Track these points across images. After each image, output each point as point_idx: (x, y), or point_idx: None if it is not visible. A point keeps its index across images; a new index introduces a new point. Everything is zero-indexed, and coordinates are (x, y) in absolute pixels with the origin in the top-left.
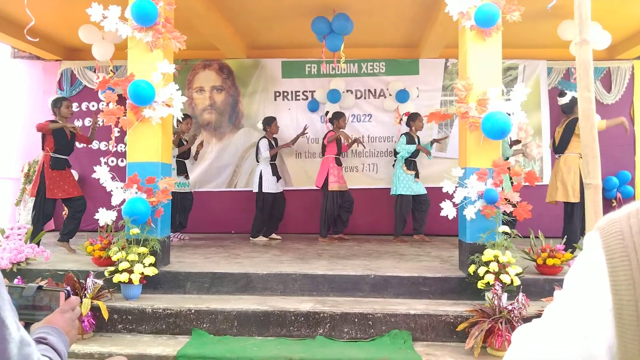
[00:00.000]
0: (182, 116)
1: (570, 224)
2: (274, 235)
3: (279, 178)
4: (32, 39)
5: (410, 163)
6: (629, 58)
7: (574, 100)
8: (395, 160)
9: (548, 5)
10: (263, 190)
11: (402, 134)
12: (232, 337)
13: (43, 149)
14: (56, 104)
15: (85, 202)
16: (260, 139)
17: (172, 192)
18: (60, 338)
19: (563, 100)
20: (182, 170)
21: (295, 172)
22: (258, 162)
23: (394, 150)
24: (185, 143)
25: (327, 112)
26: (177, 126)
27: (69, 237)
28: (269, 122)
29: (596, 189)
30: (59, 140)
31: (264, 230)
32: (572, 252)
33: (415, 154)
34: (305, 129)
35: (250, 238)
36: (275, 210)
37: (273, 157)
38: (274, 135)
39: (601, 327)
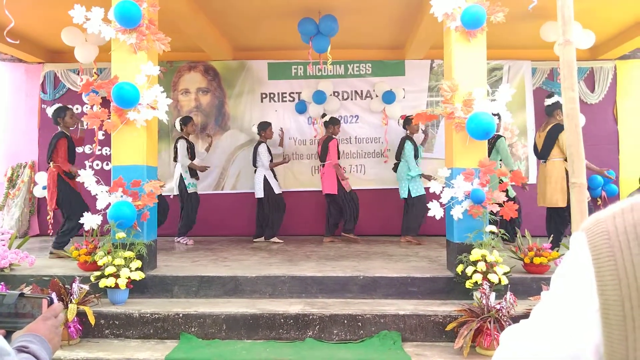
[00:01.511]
0: (181, 120)
1: (558, 225)
2: (260, 240)
3: (276, 179)
4: (12, 40)
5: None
6: (611, 58)
7: (555, 105)
8: (396, 164)
9: (529, 6)
10: (276, 192)
11: (405, 140)
12: (221, 340)
13: (52, 160)
14: (59, 113)
15: None
16: (259, 144)
17: (190, 193)
18: (43, 346)
19: (547, 102)
20: (194, 173)
21: (283, 175)
22: (256, 167)
23: (397, 155)
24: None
25: (323, 115)
26: (182, 130)
27: (65, 244)
28: (264, 127)
29: (581, 188)
30: (72, 151)
31: (262, 233)
32: (557, 251)
33: (416, 154)
34: (281, 133)
35: (259, 239)
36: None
37: (271, 161)
38: (268, 140)
39: (588, 327)
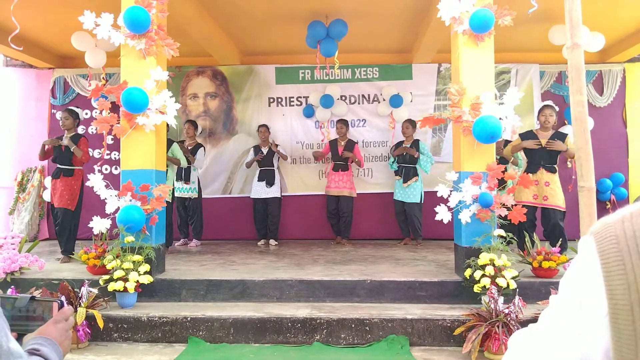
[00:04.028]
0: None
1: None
2: (271, 242)
3: (270, 184)
4: (16, 47)
5: (399, 168)
6: (620, 61)
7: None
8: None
9: (529, 10)
10: (250, 196)
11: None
12: (229, 344)
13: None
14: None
15: (67, 217)
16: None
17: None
18: (54, 349)
19: None
20: (179, 176)
21: (291, 178)
22: None
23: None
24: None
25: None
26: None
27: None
28: (257, 129)
29: (590, 191)
30: (54, 150)
31: (264, 234)
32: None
33: (402, 159)
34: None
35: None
36: (268, 215)
37: (263, 163)
38: (272, 141)
39: (597, 332)
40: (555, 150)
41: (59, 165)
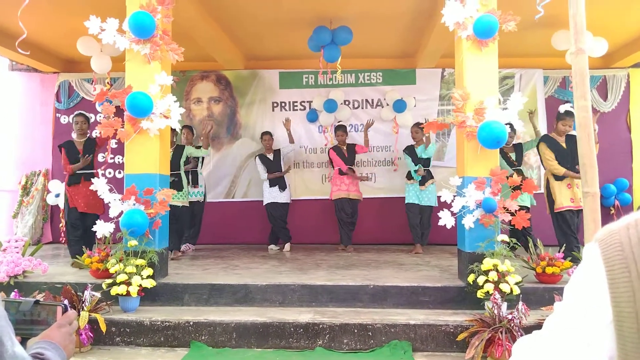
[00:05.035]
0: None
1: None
2: (272, 246)
3: (283, 188)
4: (23, 51)
5: (409, 173)
6: (624, 66)
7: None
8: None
9: (535, 16)
10: (264, 202)
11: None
12: (231, 349)
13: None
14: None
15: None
16: (256, 157)
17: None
18: (57, 353)
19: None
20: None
21: (294, 183)
22: None
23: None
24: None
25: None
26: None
27: (75, 252)
28: (260, 137)
29: (594, 197)
30: (70, 157)
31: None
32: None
33: (417, 162)
34: (286, 123)
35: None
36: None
37: (272, 169)
38: (276, 148)
39: (602, 339)
40: (576, 152)
41: (77, 172)
